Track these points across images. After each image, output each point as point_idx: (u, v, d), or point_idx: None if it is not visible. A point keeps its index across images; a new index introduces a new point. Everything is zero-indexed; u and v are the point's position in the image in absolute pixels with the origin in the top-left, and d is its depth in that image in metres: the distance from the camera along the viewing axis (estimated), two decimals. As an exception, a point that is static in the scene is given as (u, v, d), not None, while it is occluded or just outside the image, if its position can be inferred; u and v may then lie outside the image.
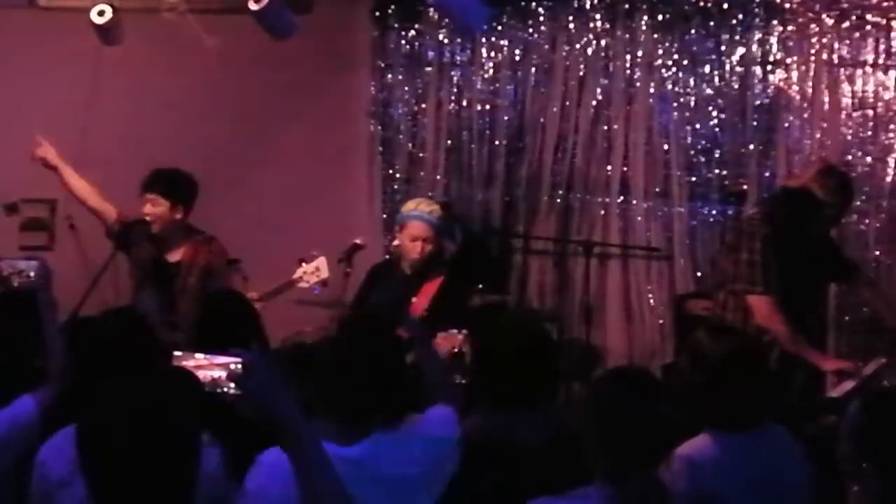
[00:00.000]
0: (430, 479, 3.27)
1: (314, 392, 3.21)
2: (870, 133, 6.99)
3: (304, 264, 6.33)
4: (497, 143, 7.86)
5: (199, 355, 2.47)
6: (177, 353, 2.54)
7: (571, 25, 7.61)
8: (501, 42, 7.79)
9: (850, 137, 7.03)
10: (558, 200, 7.75)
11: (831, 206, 5.67)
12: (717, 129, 7.36)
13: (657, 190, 7.52)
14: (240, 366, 2.41)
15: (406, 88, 8.03)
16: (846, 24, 7.00)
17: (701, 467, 3.55)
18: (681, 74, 7.40)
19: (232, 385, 2.43)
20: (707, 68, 7.36)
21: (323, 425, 3.17)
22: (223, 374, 2.44)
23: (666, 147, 7.47)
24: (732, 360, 3.66)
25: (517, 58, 7.77)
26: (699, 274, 7.38)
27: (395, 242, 6.15)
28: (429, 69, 7.97)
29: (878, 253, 6.94)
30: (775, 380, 3.96)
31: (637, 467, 2.98)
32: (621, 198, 7.60)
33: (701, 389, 3.66)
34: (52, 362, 3.89)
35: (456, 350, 5.55)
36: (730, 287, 5.64)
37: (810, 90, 7.10)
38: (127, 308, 5.67)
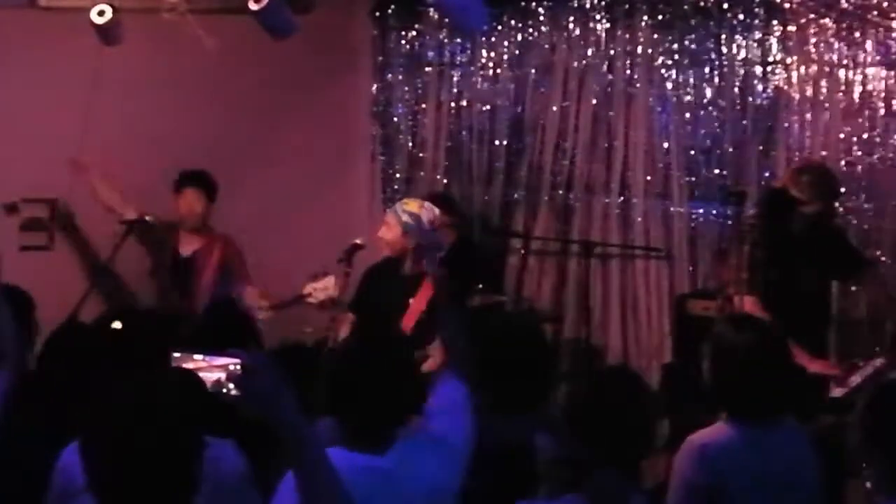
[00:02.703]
0: (453, 485, 3.28)
1: (333, 397, 3.19)
2: (870, 133, 6.97)
3: (314, 281, 6.38)
4: (497, 143, 7.87)
5: (197, 356, 2.46)
6: (175, 354, 2.53)
7: (571, 25, 7.61)
8: (501, 42, 7.80)
9: (850, 137, 7.02)
10: (558, 200, 7.75)
11: (807, 203, 5.67)
12: (717, 129, 7.35)
13: (657, 190, 7.52)
14: (239, 367, 2.41)
15: (406, 88, 8.05)
16: (846, 24, 6.98)
17: (712, 457, 3.55)
18: (681, 74, 7.40)
19: (232, 386, 2.42)
20: (707, 68, 7.35)
21: (339, 430, 3.17)
22: (222, 375, 2.43)
23: (666, 147, 7.47)
24: (755, 350, 3.67)
25: (517, 58, 7.78)
26: (699, 274, 7.38)
27: None
28: (429, 69, 7.99)
29: (879, 253, 6.93)
30: (795, 373, 3.95)
31: (605, 466, 2.98)
32: (621, 198, 7.60)
33: (721, 379, 3.67)
34: (4, 345, 3.84)
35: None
36: (726, 293, 5.67)
37: (810, 90, 7.09)
38: (127, 309, 5.69)
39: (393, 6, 8.01)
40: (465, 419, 3.35)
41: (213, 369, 2.43)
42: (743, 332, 3.76)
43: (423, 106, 8.05)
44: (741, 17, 7.23)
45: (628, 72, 7.52)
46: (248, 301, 6.27)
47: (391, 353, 3.27)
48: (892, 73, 6.92)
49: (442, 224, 6.99)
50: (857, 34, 6.96)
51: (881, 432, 3.02)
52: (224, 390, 2.43)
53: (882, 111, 6.94)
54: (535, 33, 7.73)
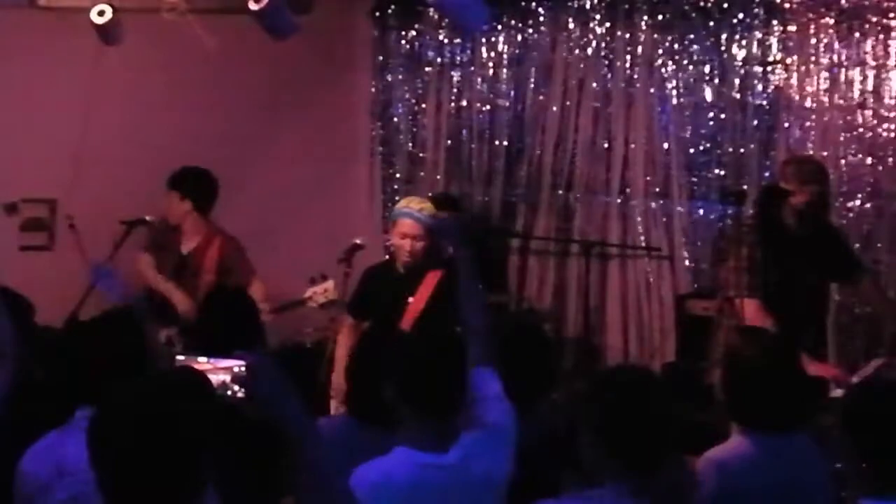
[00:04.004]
0: (509, 469, 3.30)
1: (398, 397, 3.22)
2: (870, 133, 6.97)
3: (314, 284, 6.36)
4: (497, 143, 7.87)
5: (202, 359, 2.46)
6: (179, 357, 2.53)
7: (571, 25, 7.61)
8: (501, 42, 7.80)
9: (850, 137, 7.02)
10: (558, 200, 7.75)
11: (796, 192, 5.70)
12: (717, 129, 7.35)
13: (657, 190, 7.52)
14: (244, 368, 2.41)
15: (406, 88, 8.06)
16: (846, 24, 6.98)
17: (730, 470, 3.56)
18: (681, 74, 7.40)
19: (237, 388, 2.43)
20: (707, 68, 7.35)
21: (408, 432, 3.18)
22: (227, 377, 2.43)
23: (666, 147, 7.47)
24: (769, 363, 3.69)
25: (517, 58, 7.78)
26: (699, 274, 7.38)
27: (389, 242, 6.13)
28: (429, 69, 8.00)
29: (878, 253, 6.93)
30: (807, 384, 3.95)
31: (643, 467, 2.96)
32: (621, 198, 7.60)
33: (734, 393, 3.68)
34: (2, 346, 3.84)
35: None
36: (725, 294, 5.67)
37: (810, 90, 7.10)
38: (126, 310, 5.67)
39: (393, 6, 8.01)
40: (506, 404, 3.42)
41: (217, 371, 2.43)
42: (756, 346, 3.76)
43: (423, 106, 8.05)
44: (741, 17, 7.23)
45: (628, 72, 7.52)
46: (254, 296, 6.25)
47: (454, 350, 3.31)
48: (893, 73, 6.92)
49: None
50: (857, 34, 6.96)
51: (859, 432, 3.03)
52: (229, 392, 2.42)
53: (882, 111, 6.94)
54: (535, 33, 7.73)
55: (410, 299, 5.78)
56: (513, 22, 7.75)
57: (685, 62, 7.39)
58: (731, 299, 5.57)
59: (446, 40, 7.96)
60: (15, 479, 3.37)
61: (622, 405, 2.97)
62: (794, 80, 7.14)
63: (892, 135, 6.93)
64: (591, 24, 7.56)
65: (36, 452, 3.39)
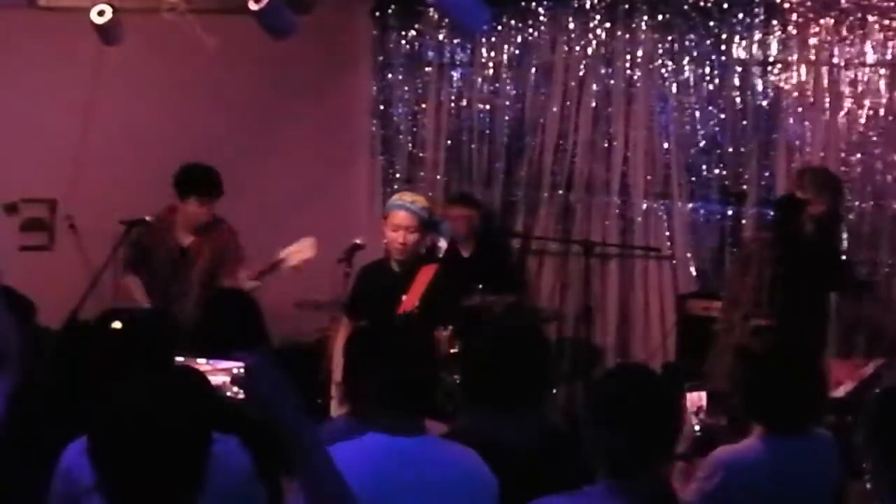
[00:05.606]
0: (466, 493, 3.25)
1: (373, 387, 3.20)
2: (870, 133, 6.98)
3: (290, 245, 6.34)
4: (497, 143, 7.88)
5: (201, 360, 2.46)
6: (179, 358, 2.53)
7: (571, 25, 7.62)
8: (501, 42, 7.80)
9: (850, 137, 7.02)
10: (558, 200, 7.76)
11: (813, 202, 5.72)
12: (717, 129, 7.36)
13: (657, 190, 7.52)
14: (243, 369, 2.41)
15: (406, 88, 8.06)
16: (846, 24, 6.99)
17: (736, 470, 3.56)
18: (681, 74, 7.40)
19: (236, 388, 2.42)
20: (707, 68, 7.35)
21: (376, 421, 3.18)
22: (227, 378, 2.43)
23: (666, 147, 7.47)
24: (779, 356, 3.70)
25: (517, 58, 7.79)
26: (699, 274, 7.38)
27: (385, 240, 6.13)
28: (429, 69, 8.01)
29: (878, 253, 6.93)
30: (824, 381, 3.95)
31: (643, 466, 2.96)
32: (621, 198, 7.60)
33: (754, 392, 3.69)
34: (5, 347, 3.84)
35: (450, 349, 5.56)
36: (742, 311, 5.69)
37: (810, 90, 7.10)
38: (131, 310, 5.68)
39: (393, 6, 8.01)
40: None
41: (217, 372, 2.43)
42: (773, 344, 3.77)
43: (423, 106, 8.06)
44: (741, 17, 7.23)
45: (628, 72, 7.52)
46: (240, 284, 6.19)
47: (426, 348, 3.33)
48: (892, 73, 6.92)
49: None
50: (857, 34, 6.97)
51: (884, 433, 3.03)
52: (228, 393, 2.43)
53: (882, 111, 6.94)
54: (535, 33, 7.73)
55: (404, 297, 5.78)
56: (513, 22, 7.76)
57: (685, 62, 7.40)
58: (746, 316, 5.59)
59: (446, 40, 7.97)
60: (56, 477, 3.29)
61: (618, 404, 2.96)
62: (794, 80, 7.14)
63: (892, 135, 6.93)
64: (591, 24, 7.56)
65: (81, 451, 3.34)
